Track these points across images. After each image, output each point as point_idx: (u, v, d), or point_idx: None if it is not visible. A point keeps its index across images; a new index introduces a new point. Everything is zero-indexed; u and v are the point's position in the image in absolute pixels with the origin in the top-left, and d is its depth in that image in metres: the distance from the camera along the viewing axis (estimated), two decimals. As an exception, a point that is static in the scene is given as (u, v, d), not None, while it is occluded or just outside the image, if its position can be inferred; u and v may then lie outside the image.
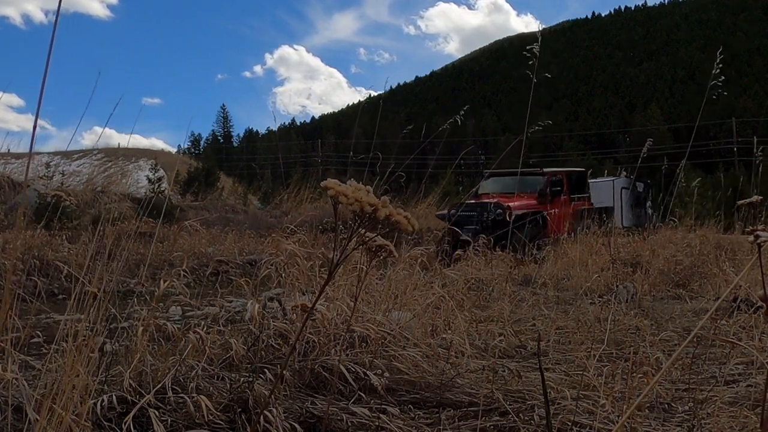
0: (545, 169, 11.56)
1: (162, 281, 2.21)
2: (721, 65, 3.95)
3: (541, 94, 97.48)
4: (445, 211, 10.71)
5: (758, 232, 0.86)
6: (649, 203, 16.04)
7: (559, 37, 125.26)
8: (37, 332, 2.15)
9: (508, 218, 9.00)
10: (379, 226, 0.84)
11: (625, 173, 17.28)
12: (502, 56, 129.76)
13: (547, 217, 10.40)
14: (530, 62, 3.54)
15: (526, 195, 10.70)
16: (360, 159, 8.00)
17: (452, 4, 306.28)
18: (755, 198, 0.94)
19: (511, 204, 9.84)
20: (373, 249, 0.88)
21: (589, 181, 12.99)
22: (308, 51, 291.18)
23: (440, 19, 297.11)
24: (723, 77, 3.94)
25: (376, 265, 3.14)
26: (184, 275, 2.48)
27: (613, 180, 15.57)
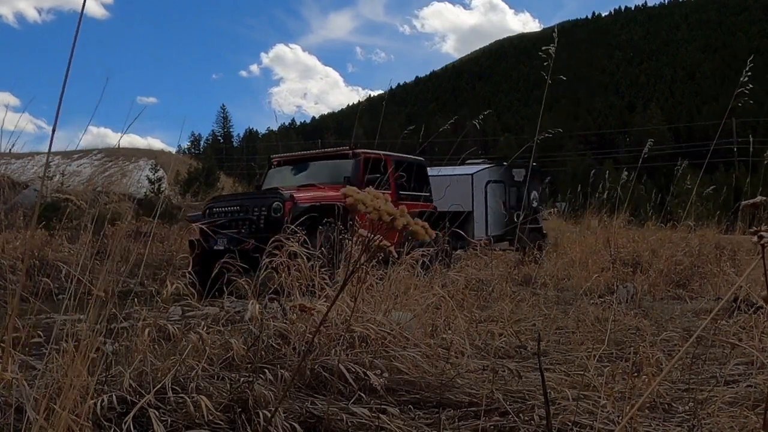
0: (359, 150, 7.99)
1: (169, 282, 2.22)
2: (750, 73, 3.81)
3: (541, 95, 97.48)
4: (201, 212, 7.52)
5: (762, 233, 0.86)
6: (534, 195, 11.12)
7: (559, 38, 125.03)
8: (38, 332, 2.15)
9: (285, 215, 6.21)
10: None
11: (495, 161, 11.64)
12: (503, 56, 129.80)
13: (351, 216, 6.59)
14: (545, 63, 3.45)
15: (331, 186, 7.47)
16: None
17: (447, 3, 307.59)
18: (759, 199, 0.94)
19: (297, 195, 6.72)
20: (373, 249, 0.89)
21: (433, 174, 9.41)
22: (304, 50, 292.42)
23: (436, 18, 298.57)
24: (750, 85, 3.80)
25: (376, 265, 3.14)
26: (187, 276, 2.48)
27: (471, 173, 10.40)
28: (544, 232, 11.18)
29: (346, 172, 7.51)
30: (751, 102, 3.91)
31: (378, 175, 7.13)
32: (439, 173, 9.96)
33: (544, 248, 8.39)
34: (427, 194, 8.57)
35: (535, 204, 11.08)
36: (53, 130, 1.17)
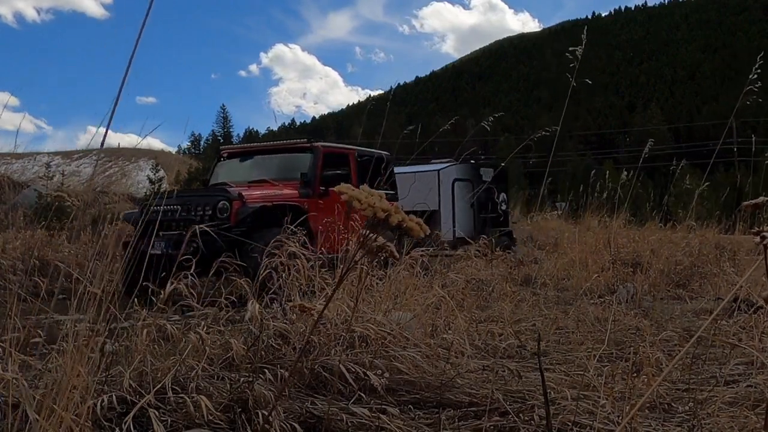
0: (317, 143, 7.09)
1: (168, 282, 2.22)
2: (759, 70, 3.80)
3: (542, 94, 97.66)
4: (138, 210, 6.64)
5: (764, 233, 0.85)
6: (503, 197, 10.64)
7: (560, 37, 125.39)
8: (38, 332, 2.15)
9: (233, 217, 5.65)
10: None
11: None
12: (503, 56, 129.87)
13: (309, 219, 5.42)
14: (571, 65, 3.39)
15: (286, 183, 6.67)
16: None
17: (446, 3, 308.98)
18: (761, 199, 0.94)
19: (247, 193, 6.00)
20: (374, 250, 0.89)
21: (399, 171, 8.68)
22: (303, 50, 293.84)
23: (435, 18, 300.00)
24: (759, 83, 3.79)
25: (376, 265, 3.14)
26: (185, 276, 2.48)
27: (437, 169, 9.88)
28: (514, 236, 10.80)
29: (303, 167, 6.70)
30: (760, 101, 3.90)
31: (338, 172, 6.59)
32: (404, 170, 9.38)
33: (512, 253, 7.84)
34: (392, 192, 7.77)
35: (503, 206, 10.68)
36: (104, 137, 1.17)
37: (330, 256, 4.64)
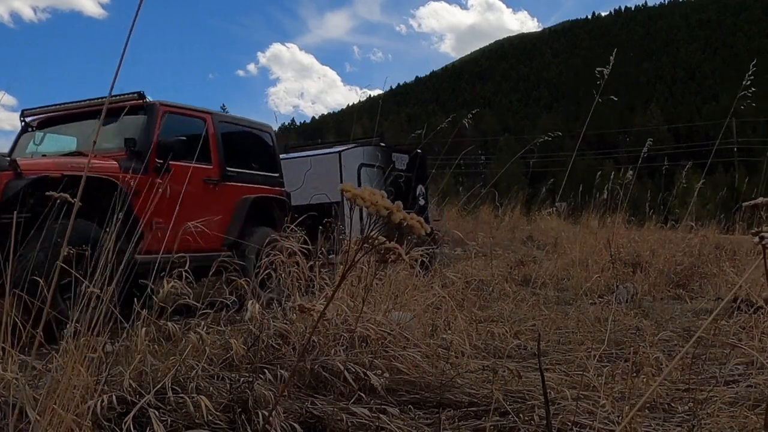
0: (155, 101, 5.16)
1: (165, 281, 2.22)
2: (752, 77, 3.86)
3: (542, 94, 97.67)
4: None
5: (763, 233, 0.86)
6: (420, 190, 8.83)
7: (560, 37, 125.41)
8: (38, 332, 2.15)
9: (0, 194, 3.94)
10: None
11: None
12: (502, 56, 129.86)
13: (133, 202, 3.58)
14: (597, 82, 3.45)
15: (106, 154, 4.77)
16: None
17: (444, 2, 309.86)
18: (761, 200, 0.94)
19: (25, 162, 4.15)
20: (381, 252, 0.88)
21: (293, 156, 7.43)
22: (301, 49, 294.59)
23: (432, 18, 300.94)
24: (753, 89, 3.86)
25: (377, 265, 3.14)
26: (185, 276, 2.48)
27: (338, 152, 7.67)
28: (436, 237, 8.28)
29: (133, 132, 4.91)
30: (753, 105, 3.94)
31: (181, 138, 4.83)
32: (299, 155, 7.85)
33: (435, 258, 5.96)
34: (275, 175, 6.12)
35: (421, 201, 8.84)
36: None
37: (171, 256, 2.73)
